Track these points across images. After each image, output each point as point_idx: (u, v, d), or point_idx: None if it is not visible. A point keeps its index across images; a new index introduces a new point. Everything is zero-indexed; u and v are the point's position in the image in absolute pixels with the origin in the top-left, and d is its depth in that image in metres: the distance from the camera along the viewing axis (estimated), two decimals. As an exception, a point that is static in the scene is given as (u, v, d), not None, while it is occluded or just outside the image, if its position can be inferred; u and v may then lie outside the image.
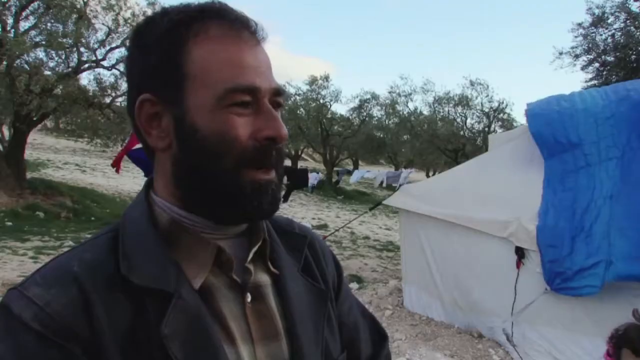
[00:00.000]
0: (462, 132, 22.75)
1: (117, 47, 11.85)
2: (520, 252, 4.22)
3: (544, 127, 4.44)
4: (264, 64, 0.66)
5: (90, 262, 0.62)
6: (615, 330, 1.46)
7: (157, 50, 0.65)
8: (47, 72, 10.67)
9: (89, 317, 0.57)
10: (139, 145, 7.63)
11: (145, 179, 0.74)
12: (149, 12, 11.52)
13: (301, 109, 24.34)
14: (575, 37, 13.27)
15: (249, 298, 0.68)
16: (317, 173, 13.62)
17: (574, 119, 4.32)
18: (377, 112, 25.99)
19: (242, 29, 0.65)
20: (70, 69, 11.23)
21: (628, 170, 4.02)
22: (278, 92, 0.67)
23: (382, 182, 13.41)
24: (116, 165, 7.85)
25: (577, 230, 3.89)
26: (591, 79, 13.68)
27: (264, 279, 0.72)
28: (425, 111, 24.05)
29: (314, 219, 14.60)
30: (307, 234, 0.84)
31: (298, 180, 10.89)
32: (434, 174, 26.55)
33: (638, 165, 4.01)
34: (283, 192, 10.91)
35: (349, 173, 20.41)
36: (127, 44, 11.57)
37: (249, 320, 0.67)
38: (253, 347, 0.66)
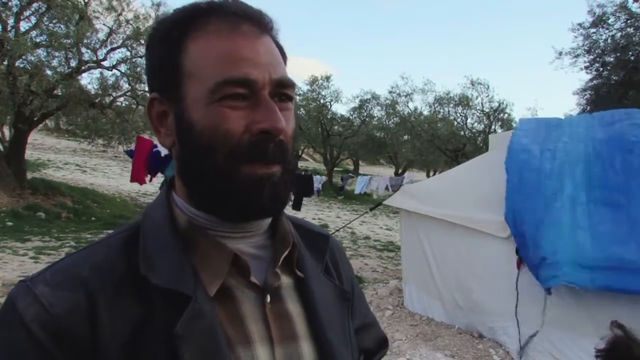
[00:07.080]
0: (462, 132, 22.76)
1: (117, 47, 11.86)
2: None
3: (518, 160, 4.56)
4: (264, 55, 0.63)
5: (100, 263, 0.62)
6: (602, 345, 1.37)
7: (160, 49, 0.66)
8: (48, 72, 10.67)
9: (92, 322, 0.57)
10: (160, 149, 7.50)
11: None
12: (152, 13, 11.51)
13: (301, 109, 24.34)
14: (576, 37, 13.30)
15: (268, 299, 0.67)
16: (320, 176, 13.62)
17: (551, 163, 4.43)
18: (377, 112, 26.03)
19: (241, 22, 0.64)
20: (70, 69, 11.23)
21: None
22: (283, 84, 0.64)
23: (386, 187, 13.39)
24: (141, 179, 7.92)
25: (540, 218, 3.97)
26: (592, 79, 13.70)
27: (285, 280, 0.71)
28: (426, 111, 24.09)
29: (314, 219, 14.60)
30: (328, 234, 0.84)
31: (304, 187, 10.74)
32: (434, 174, 26.54)
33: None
34: (292, 199, 10.85)
35: (352, 177, 20.52)
36: (128, 44, 11.62)
37: (269, 321, 0.66)
38: (272, 349, 0.65)
